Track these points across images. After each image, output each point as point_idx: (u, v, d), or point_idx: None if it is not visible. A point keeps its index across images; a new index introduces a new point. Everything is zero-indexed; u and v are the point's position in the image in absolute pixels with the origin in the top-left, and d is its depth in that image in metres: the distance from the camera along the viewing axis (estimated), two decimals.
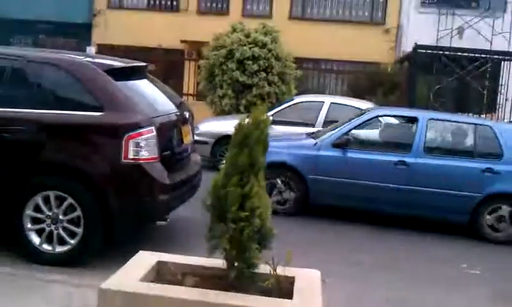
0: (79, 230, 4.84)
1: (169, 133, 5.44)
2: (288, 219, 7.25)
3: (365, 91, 15.15)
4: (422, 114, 8.02)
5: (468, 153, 7.70)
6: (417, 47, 14.79)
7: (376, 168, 7.53)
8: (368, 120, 8.12)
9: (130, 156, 4.78)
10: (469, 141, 7.89)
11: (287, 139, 8.58)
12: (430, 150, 7.60)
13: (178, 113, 5.77)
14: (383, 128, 8.51)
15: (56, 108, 4.95)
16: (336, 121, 10.58)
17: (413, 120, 7.93)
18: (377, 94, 14.83)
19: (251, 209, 3.45)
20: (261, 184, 3.65)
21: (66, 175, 4.88)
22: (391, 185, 7.41)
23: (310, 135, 8.53)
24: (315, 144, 7.86)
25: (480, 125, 7.96)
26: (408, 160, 7.47)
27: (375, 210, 7.73)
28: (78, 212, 4.82)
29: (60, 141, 4.92)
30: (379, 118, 8.41)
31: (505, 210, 7.24)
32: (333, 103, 10.99)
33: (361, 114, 8.39)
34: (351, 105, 11.07)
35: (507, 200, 7.28)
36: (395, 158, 7.49)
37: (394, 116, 8.75)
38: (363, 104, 11.29)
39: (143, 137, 4.82)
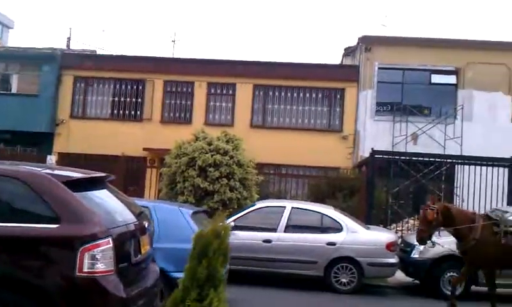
0: None
1: (127, 244, 5.33)
2: None
3: (326, 195, 15.39)
4: (152, 204, 8.18)
5: None
6: (374, 152, 15.31)
7: None
8: None
9: (85, 269, 4.64)
10: None
11: None
12: None
13: (137, 223, 5.70)
14: None
15: (11, 221, 4.83)
16: (298, 226, 10.65)
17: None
18: (338, 198, 15.07)
19: None
20: (221, 297, 3.58)
21: (18, 290, 4.66)
22: None
23: None
24: None
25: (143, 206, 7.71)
26: None
27: None
28: None
29: (12, 255, 4.74)
30: None
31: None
32: (294, 207, 11.08)
33: None
34: (311, 210, 11.20)
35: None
36: None
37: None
38: (324, 208, 11.44)
39: (99, 249, 4.71)
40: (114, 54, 23.26)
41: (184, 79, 21.28)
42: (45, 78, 21.43)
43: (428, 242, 8.98)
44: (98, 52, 25.01)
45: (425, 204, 8.76)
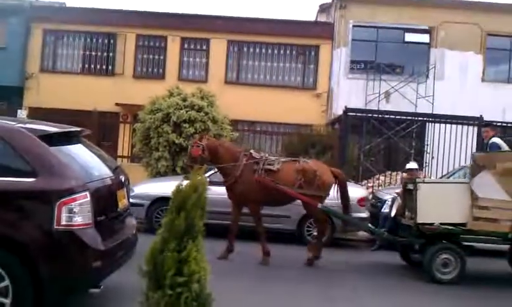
0: (7, 301, 4.61)
1: (104, 198, 5.36)
2: None
3: (299, 151, 15.51)
4: None
5: None
6: (347, 110, 15.42)
7: None
8: None
9: (63, 222, 4.67)
10: None
11: None
12: None
13: (114, 177, 5.72)
14: None
15: None
16: None
17: None
18: (311, 154, 15.23)
19: (189, 274, 3.44)
20: (199, 248, 3.65)
21: None
22: None
23: None
24: None
25: None
26: None
27: None
28: (6, 282, 4.61)
29: None
30: None
31: None
32: None
33: None
34: None
35: None
36: None
37: None
38: None
39: (76, 202, 4.74)
40: (85, 6, 22.62)
41: (156, 33, 20.94)
42: (13, 30, 20.74)
43: None
44: (67, 5, 24.31)
45: (194, 141, 8.97)
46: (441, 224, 8.13)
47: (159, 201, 10.50)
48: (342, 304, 6.88)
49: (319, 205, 8.79)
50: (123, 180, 6.00)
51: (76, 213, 4.73)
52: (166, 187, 9.25)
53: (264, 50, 20.86)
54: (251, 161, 8.81)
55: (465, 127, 14.77)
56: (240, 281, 7.47)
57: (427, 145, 16.76)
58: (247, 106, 18.99)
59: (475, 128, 14.87)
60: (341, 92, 19.88)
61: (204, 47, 20.93)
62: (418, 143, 17.64)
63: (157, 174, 13.43)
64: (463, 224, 8.12)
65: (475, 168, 8.31)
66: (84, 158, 5.59)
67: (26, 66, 20.89)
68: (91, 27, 20.87)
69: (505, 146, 9.51)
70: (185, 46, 21.00)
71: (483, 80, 20.12)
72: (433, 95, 19.08)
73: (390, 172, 15.45)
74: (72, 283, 4.85)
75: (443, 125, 14.80)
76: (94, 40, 21.28)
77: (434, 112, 17.56)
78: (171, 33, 20.73)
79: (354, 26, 20.29)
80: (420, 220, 8.19)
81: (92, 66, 21.26)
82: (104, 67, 21.19)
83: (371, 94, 19.51)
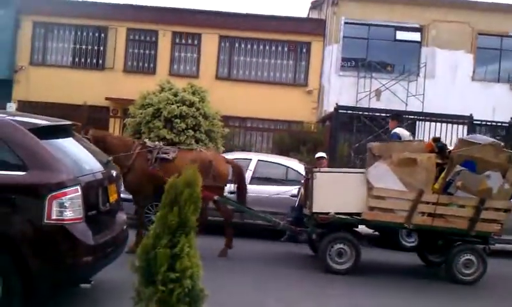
0: None
1: (95, 193, 5.32)
2: None
3: (290, 148, 15.54)
4: None
5: None
6: (338, 107, 15.44)
7: None
8: None
9: (54, 216, 4.62)
10: None
11: None
12: None
13: (105, 172, 5.68)
14: None
15: None
16: (264, 178, 10.70)
17: None
18: (301, 151, 15.25)
19: (182, 270, 3.42)
20: (192, 244, 3.62)
21: None
22: None
23: None
24: None
25: None
26: None
27: None
28: None
29: None
30: None
31: None
32: (260, 160, 11.17)
33: None
34: (277, 162, 11.31)
35: None
36: None
37: None
38: (288, 161, 11.58)
39: (67, 197, 4.69)
40: None
41: (147, 28, 20.81)
42: (2, 23, 20.39)
43: None
44: None
45: None
46: (337, 213, 7.98)
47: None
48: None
49: (216, 197, 8.58)
50: (114, 174, 5.96)
51: (67, 208, 4.68)
52: None
53: (255, 46, 20.82)
54: (144, 150, 8.65)
55: (455, 126, 14.85)
56: (235, 277, 7.45)
57: None
58: (238, 102, 18.96)
59: (465, 127, 14.96)
60: (332, 89, 19.89)
61: (195, 42, 20.85)
62: None
63: None
64: (359, 214, 7.98)
65: (371, 158, 8.17)
66: (75, 152, 5.54)
67: (16, 59, 20.69)
68: (81, 20, 20.69)
69: (406, 137, 9.48)
70: (177, 40, 20.90)
71: (473, 79, 20.24)
72: (423, 94, 19.16)
73: None
74: (62, 278, 4.81)
75: (433, 124, 14.86)
76: (84, 33, 21.11)
77: (424, 111, 17.64)
78: (162, 27, 20.62)
79: (345, 23, 20.30)
80: (315, 209, 8.00)
81: (82, 59, 21.11)
82: (95, 61, 21.05)
83: (362, 92, 19.55)
